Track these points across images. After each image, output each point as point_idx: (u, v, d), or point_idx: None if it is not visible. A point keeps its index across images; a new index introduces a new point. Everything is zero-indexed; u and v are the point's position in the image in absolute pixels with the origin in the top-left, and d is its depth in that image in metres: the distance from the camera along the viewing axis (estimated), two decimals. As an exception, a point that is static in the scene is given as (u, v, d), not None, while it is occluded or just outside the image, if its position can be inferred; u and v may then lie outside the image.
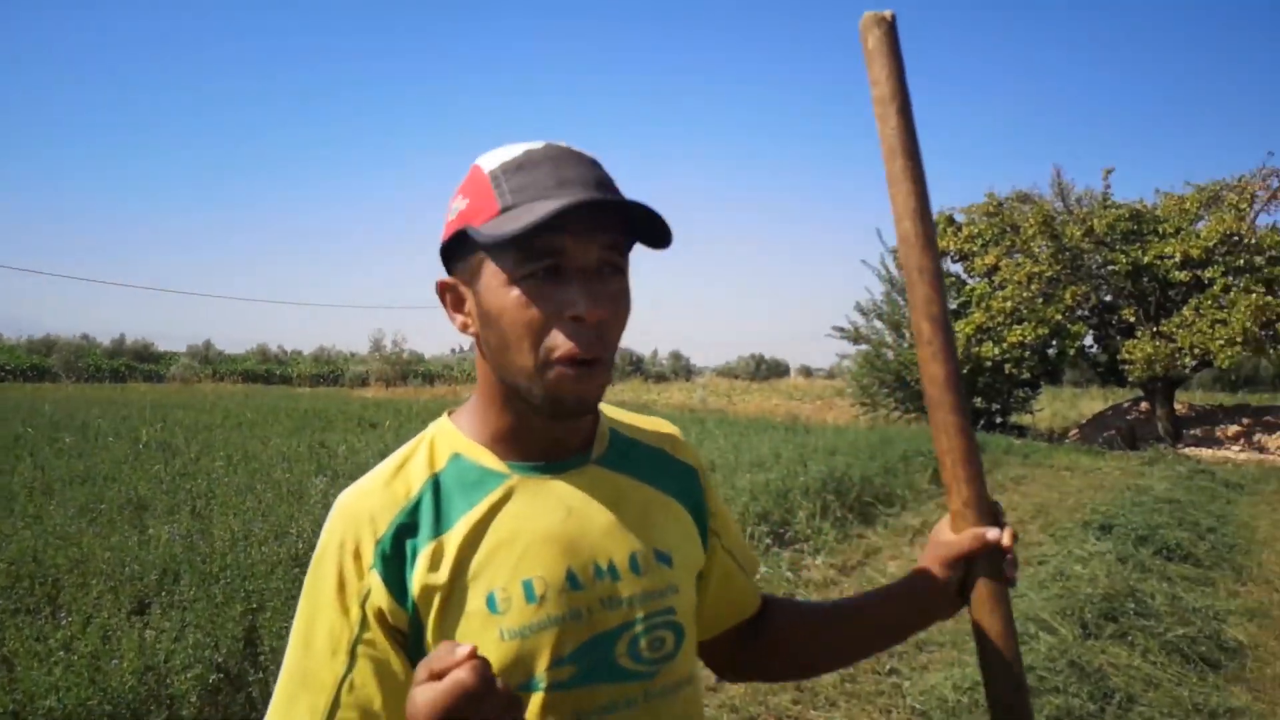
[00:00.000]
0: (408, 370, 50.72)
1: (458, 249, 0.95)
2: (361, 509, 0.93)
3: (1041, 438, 18.13)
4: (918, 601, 1.09)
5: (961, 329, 17.45)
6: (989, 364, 17.35)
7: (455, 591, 0.89)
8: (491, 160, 0.93)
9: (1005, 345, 16.91)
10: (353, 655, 0.89)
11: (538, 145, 0.93)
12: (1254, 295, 14.73)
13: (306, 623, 0.91)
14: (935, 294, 1.06)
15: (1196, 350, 15.27)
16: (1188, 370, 16.35)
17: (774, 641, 1.16)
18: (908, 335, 19.83)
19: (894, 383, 19.70)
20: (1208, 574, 6.16)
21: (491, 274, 0.90)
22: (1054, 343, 17.59)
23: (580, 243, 0.88)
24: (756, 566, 1.18)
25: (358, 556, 0.90)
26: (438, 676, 0.72)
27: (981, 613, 1.04)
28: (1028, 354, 17.32)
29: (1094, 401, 27.34)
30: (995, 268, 17.84)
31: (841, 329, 21.11)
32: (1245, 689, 4.17)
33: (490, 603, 0.89)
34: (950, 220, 19.35)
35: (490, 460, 0.96)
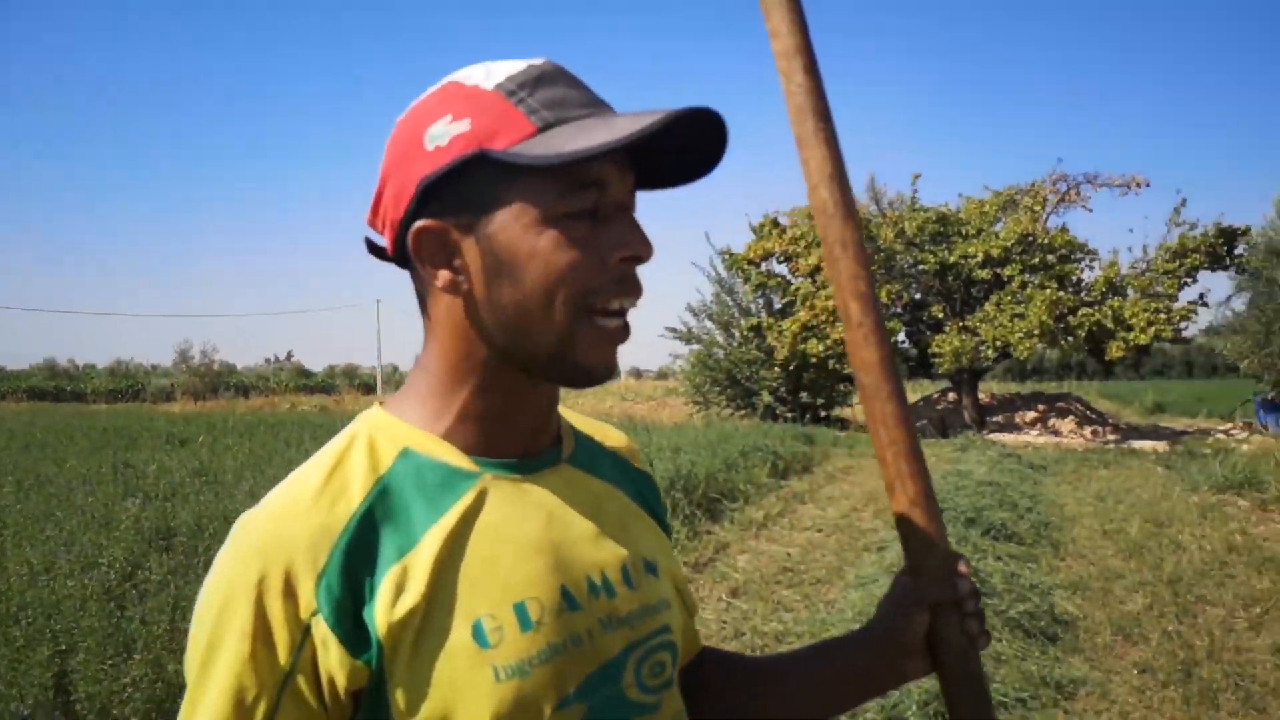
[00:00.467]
0: (219, 382, 47.84)
1: (449, 184, 0.74)
2: (289, 534, 0.70)
3: (861, 429, 19.04)
4: (874, 648, 0.90)
5: (788, 327, 18.10)
6: (814, 360, 18.08)
7: (431, 626, 0.70)
8: (488, 75, 0.75)
9: (829, 342, 17.66)
10: (273, 707, 0.68)
11: (536, 60, 0.76)
12: (1048, 291, 16.04)
13: (215, 678, 0.68)
14: (861, 269, 0.91)
15: (998, 343, 16.46)
16: (990, 362, 17.59)
17: (712, 692, 0.97)
18: (736, 335, 20.43)
19: (725, 381, 20.22)
20: (1030, 551, 6.58)
21: (516, 211, 0.73)
22: (872, 338, 18.52)
23: (623, 176, 0.75)
24: (696, 607, 1.00)
25: (290, 597, 0.68)
26: None
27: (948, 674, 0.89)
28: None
29: (906, 393, 29.13)
30: (818, 268, 18.60)
31: (674, 330, 21.49)
32: (1082, 659, 4.45)
33: (478, 634, 0.71)
34: (775, 223, 20.05)
35: (453, 456, 0.78)
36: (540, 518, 0.78)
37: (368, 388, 48.92)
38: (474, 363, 0.78)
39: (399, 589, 0.70)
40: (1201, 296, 16.84)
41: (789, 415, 19.05)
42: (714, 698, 0.97)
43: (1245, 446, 13.43)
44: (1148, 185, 17.40)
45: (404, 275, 0.82)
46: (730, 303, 20.96)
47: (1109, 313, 15.77)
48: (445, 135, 0.73)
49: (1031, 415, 18.42)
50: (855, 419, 21.74)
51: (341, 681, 0.68)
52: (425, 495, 0.75)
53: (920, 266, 17.75)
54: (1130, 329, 15.68)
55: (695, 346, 21.35)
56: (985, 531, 6.70)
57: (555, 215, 0.72)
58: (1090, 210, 18.49)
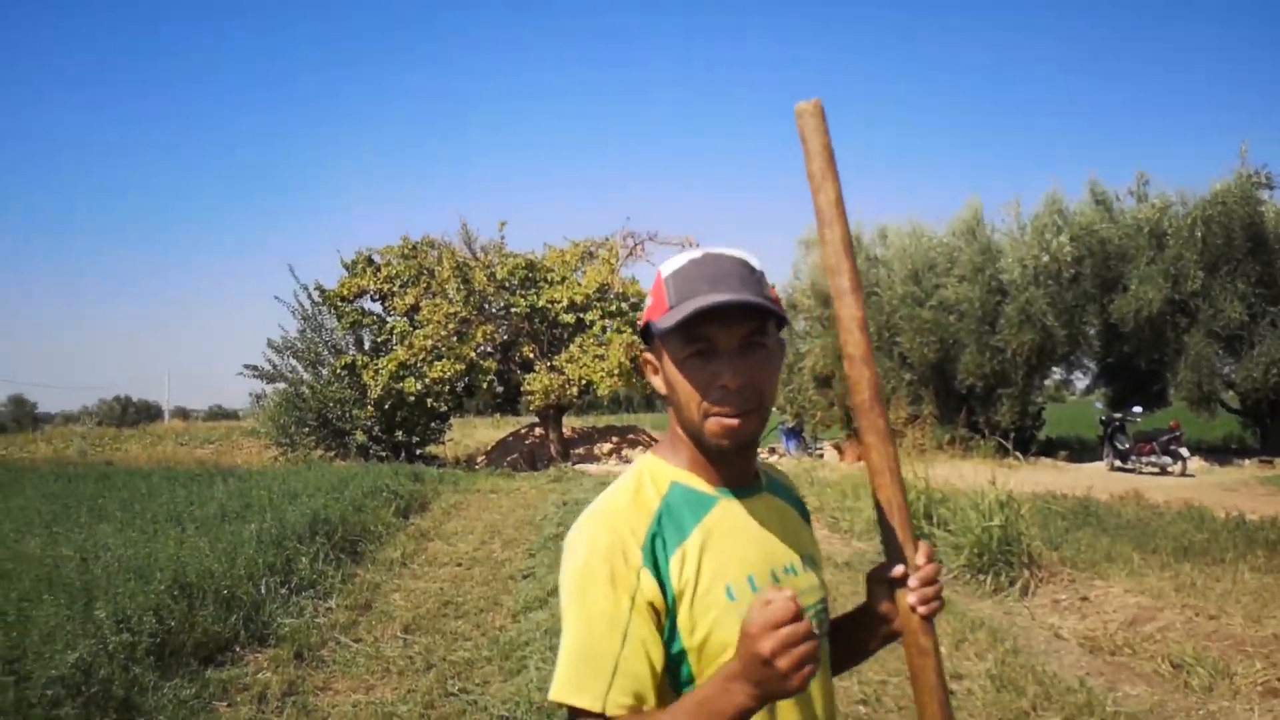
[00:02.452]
0: None
1: (649, 333, 1.25)
2: (620, 522, 1.17)
3: (450, 465, 19.58)
4: (861, 623, 1.35)
5: (385, 365, 18.12)
6: (412, 398, 18.28)
7: (700, 585, 1.16)
8: (667, 267, 1.25)
9: (427, 380, 18.00)
10: (625, 636, 1.12)
11: (698, 253, 1.25)
12: (624, 334, 17.99)
13: (586, 612, 1.13)
14: (867, 341, 1.26)
15: (583, 381, 18.06)
16: (575, 398, 19.19)
17: None
18: (325, 373, 19.89)
19: (314, 421, 19.57)
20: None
21: (668, 354, 1.22)
22: (467, 377, 19.21)
23: (725, 329, 1.20)
24: None
25: (626, 558, 1.14)
26: (765, 604, 1.01)
27: (908, 646, 1.21)
28: (446, 388, 18.66)
29: (492, 429, 30.20)
30: (416, 307, 18.88)
31: (255, 367, 20.31)
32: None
33: (729, 593, 1.17)
34: (369, 261, 19.95)
35: (702, 485, 1.25)
36: (755, 525, 1.27)
37: None
38: (686, 433, 1.26)
39: (682, 562, 1.17)
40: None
41: (383, 454, 18.98)
42: None
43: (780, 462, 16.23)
44: (697, 245, 20.27)
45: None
46: (318, 340, 20.37)
47: (674, 355, 18.11)
48: (646, 306, 1.27)
49: (608, 446, 20.35)
50: (446, 456, 22.22)
51: (655, 604, 1.14)
52: (690, 507, 1.22)
53: (512, 309, 18.83)
54: (690, 370, 18.14)
55: (280, 385, 20.39)
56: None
57: (682, 357, 1.20)
58: (653, 264, 21.07)
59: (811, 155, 1.26)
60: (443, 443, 22.56)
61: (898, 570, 1.24)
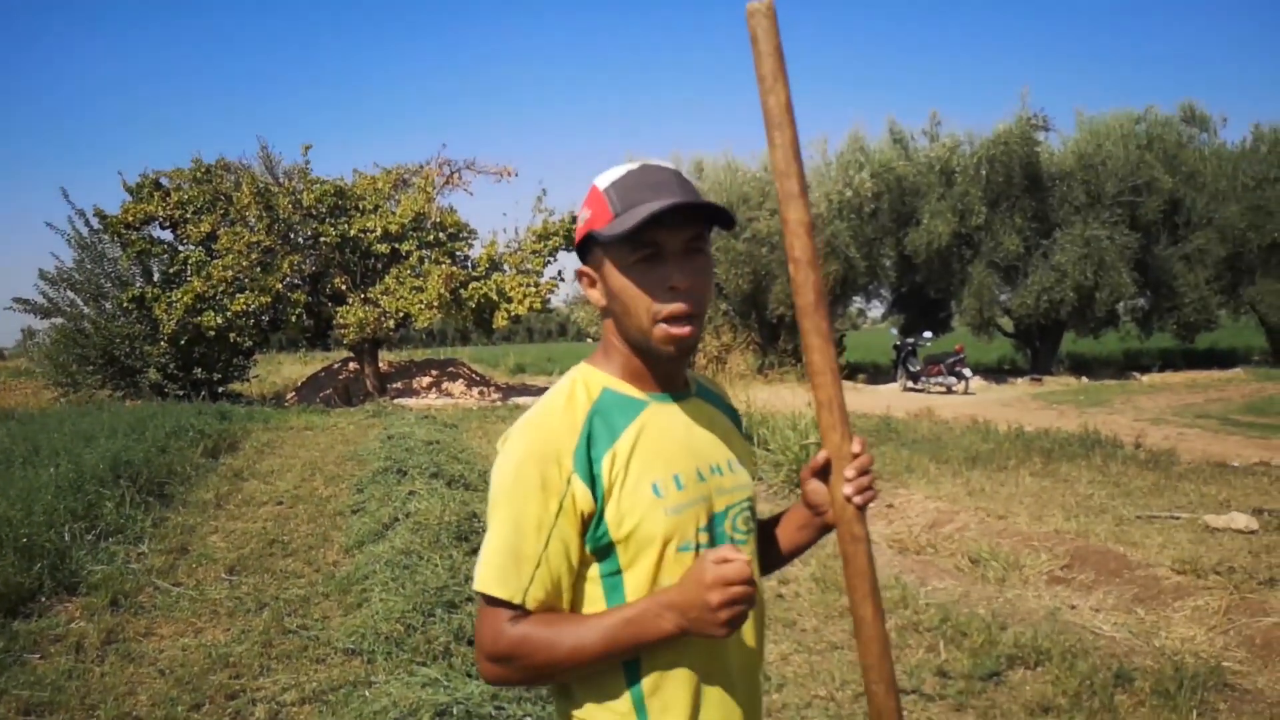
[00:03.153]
0: None
1: (587, 247, 1.29)
2: (555, 427, 1.23)
3: (258, 403, 18.60)
4: (796, 520, 1.44)
5: (180, 298, 16.84)
6: (211, 333, 17.13)
7: (628, 483, 1.22)
8: (605, 179, 1.27)
9: (229, 314, 16.90)
10: (550, 538, 1.18)
11: (635, 165, 1.27)
12: (443, 266, 17.51)
13: (514, 512, 1.19)
14: (813, 246, 1.26)
15: (400, 314, 17.50)
16: (391, 332, 18.58)
17: None
18: (109, 307, 18.29)
19: (99, 359, 18.00)
20: (485, 495, 7.58)
21: (612, 262, 1.25)
22: (273, 310, 18.18)
23: (671, 233, 1.23)
24: (755, 474, 1.57)
25: (559, 464, 1.19)
26: (723, 561, 1.11)
27: (842, 534, 1.28)
28: (250, 322, 17.60)
29: (300, 365, 28.82)
30: (213, 236, 17.58)
31: (27, 301, 18.38)
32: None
33: (655, 490, 1.22)
34: (156, 185, 18.30)
35: (632, 391, 1.30)
36: (683, 425, 1.31)
37: None
38: (621, 341, 1.30)
39: (612, 461, 1.22)
40: (559, 273, 19.94)
41: (180, 393, 17.75)
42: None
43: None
44: (516, 175, 19.96)
45: None
46: (100, 271, 18.62)
47: (494, 286, 17.83)
48: (581, 219, 1.29)
49: (427, 380, 19.91)
50: (253, 393, 21.07)
51: (583, 508, 1.20)
52: (621, 411, 1.27)
53: (322, 239, 17.88)
54: (511, 300, 17.94)
55: (57, 321, 18.56)
56: (449, 482, 7.53)
57: (629, 263, 1.23)
58: (471, 194, 20.70)
59: (762, 56, 1.26)
60: (248, 380, 21.35)
61: (821, 458, 1.31)
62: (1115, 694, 3.63)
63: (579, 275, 1.33)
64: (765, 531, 1.50)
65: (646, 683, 1.23)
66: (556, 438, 1.21)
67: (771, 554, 1.49)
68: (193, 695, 3.79)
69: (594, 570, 1.24)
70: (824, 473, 1.33)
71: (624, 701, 1.23)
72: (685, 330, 1.24)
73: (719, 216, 1.26)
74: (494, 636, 1.18)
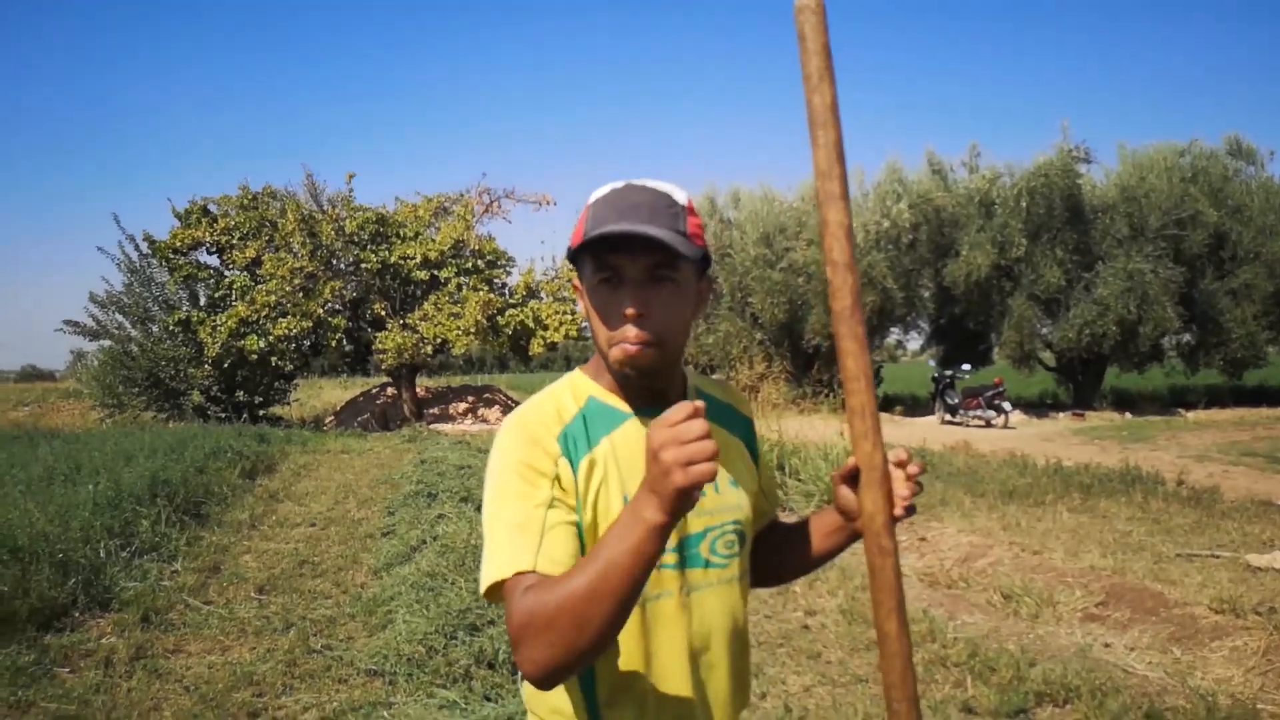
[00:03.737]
0: None
1: (573, 258, 1.29)
2: (540, 419, 1.26)
3: (297, 426, 18.86)
4: (826, 525, 1.42)
5: (224, 322, 17.20)
6: (254, 356, 17.44)
7: (602, 492, 1.22)
8: (594, 195, 1.28)
9: (271, 338, 17.20)
10: (547, 512, 1.18)
11: (620, 183, 1.27)
12: (480, 293, 17.71)
13: (510, 493, 1.19)
14: (851, 249, 1.23)
15: (438, 340, 17.70)
16: (429, 357, 18.79)
17: (768, 544, 1.50)
18: (156, 330, 18.71)
19: (144, 381, 18.41)
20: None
21: (584, 280, 1.28)
22: (314, 335, 18.48)
23: (631, 259, 1.22)
24: (776, 500, 1.57)
25: (545, 449, 1.22)
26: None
27: (869, 546, 1.23)
28: (292, 346, 17.91)
29: (340, 390, 29.21)
30: (258, 261, 17.95)
31: (76, 323, 18.88)
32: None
33: (626, 501, 1.22)
34: (204, 211, 18.78)
35: (617, 403, 1.30)
36: None
37: None
38: (599, 352, 1.30)
39: (590, 468, 1.23)
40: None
41: (222, 415, 18.08)
42: (768, 547, 1.51)
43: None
44: (555, 204, 20.20)
45: None
46: (148, 295, 19.08)
47: (530, 314, 17.99)
48: (575, 232, 1.28)
49: (463, 406, 20.07)
50: (292, 417, 21.38)
51: (567, 489, 1.20)
52: (603, 421, 1.28)
53: (363, 265, 18.18)
54: (547, 328, 18.09)
55: (105, 343, 19.02)
56: (478, 507, 7.56)
57: (593, 284, 1.24)
58: (510, 222, 20.83)
59: (810, 54, 1.23)
60: (288, 403, 21.69)
61: (851, 464, 1.26)
62: (1147, 735, 3.52)
63: (574, 286, 1.34)
64: (795, 533, 1.48)
65: (601, 702, 1.24)
66: (541, 428, 1.24)
67: (800, 555, 1.46)
68: (216, 713, 3.82)
69: None
70: (855, 479, 1.28)
71: (581, 715, 1.24)
72: (635, 350, 1.22)
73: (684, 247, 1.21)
74: (512, 613, 1.11)
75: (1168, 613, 4.98)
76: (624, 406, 1.30)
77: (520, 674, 1.18)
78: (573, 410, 1.27)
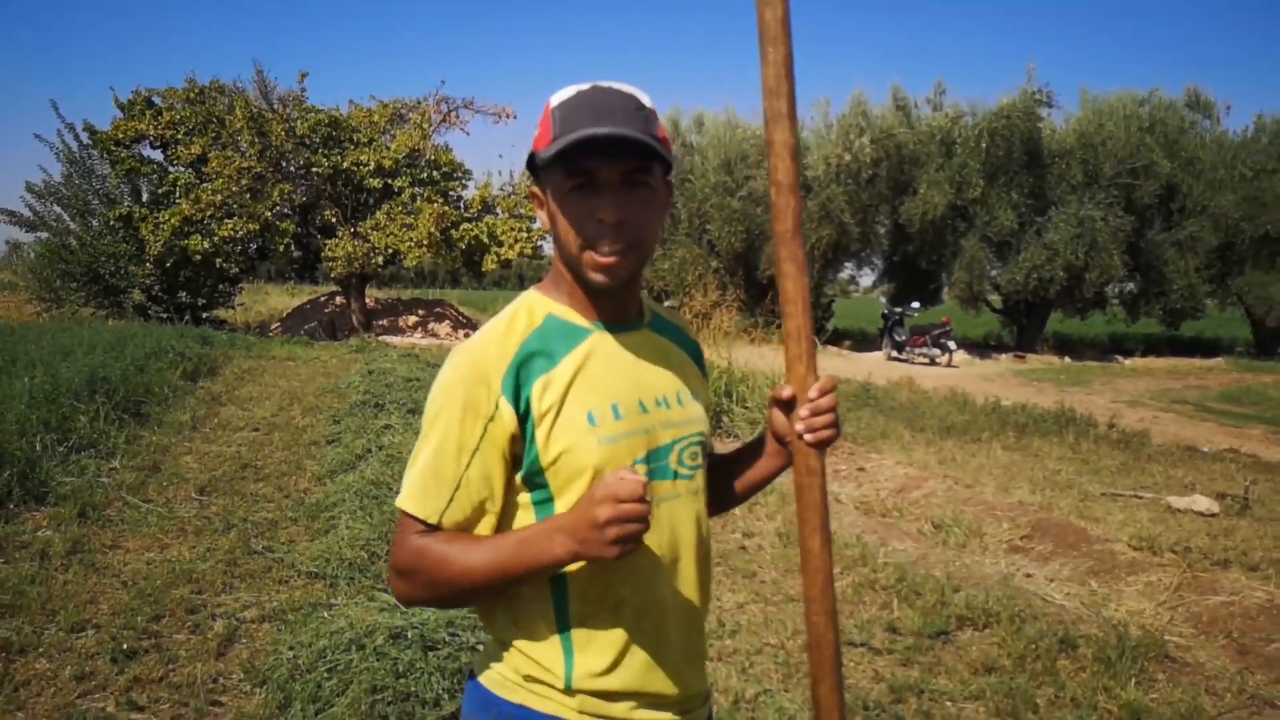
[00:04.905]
0: None
1: (531, 164, 1.24)
2: (487, 352, 1.21)
3: (241, 331, 18.52)
4: (761, 450, 1.43)
5: (166, 220, 16.68)
6: (198, 257, 17.00)
7: (563, 411, 1.20)
8: (556, 98, 1.22)
9: (216, 239, 16.75)
10: (471, 462, 1.18)
11: (587, 86, 1.22)
12: (435, 205, 17.35)
13: (440, 434, 1.19)
14: (796, 169, 1.25)
15: (389, 250, 17.38)
16: (380, 268, 18.47)
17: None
18: (96, 223, 18.09)
19: (84, 276, 17.87)
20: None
21: (551, 186, 1.22)
22: (261, 238, 18.04)
23: (608, 163, 1.20)
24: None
25: (488, 387, 1.18)
26: (617, 480, 1.08)
27: (797, 465, 1.28)
28: (238, 249, 17.47)
29: (286, 296, 28.68)
30: (203, 159, 17.36)
31: (12, 213, 18.19)
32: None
33: (589, 418, 1.21)
34: (148, 103, 18.03)
35: (576, 319, 1.28)
36: (630, 357, 1.29)
37: None
38: (566, 267, 1.27)
39: (545, 388, 1.21)
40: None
41: (164, 315, 17.68)
42: (709, 472, 1.45)
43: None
44: (515, 118, 19.73)
45: None
46: (88, 187, 18.39)
47: (485, 229, 17.72)
48: (534, 137, 1.24)
49: (413, 320, 19.86)
50: (237, 321, 20.99)
51: (510, 431, 1.19)
52: (562, 339, 1.25)
53: (314, 169, 17.68)
54: (502, 244, 17.84)
55: (43, 235, 18.38)
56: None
57: (564, 190, 1.20)
58: (468, 134, 20.36)
59: None
60: (232, 307, 21.24)
61: (786, 392, 1.29)
62: (1059, 659, 3.71)
63: (529, 194, 1.30)
64: (735, 459, 1.49)
65: (574, 614, 1.22)
66: (488, 362, 1.20)
67: (742, 480, 1.47)
68: (153, 607, 3.82)
69: (525, 498, 1.23)
70: (787, 404, 1.31)
71: (549, 631, 1.23)
72: (612, 260, 1.21)
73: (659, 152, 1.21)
74: (399, 548, 1.20)
75: (1088, 548, 5.20)
76: (584, 322, 1.28)
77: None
78: (523, 334, 1.24)
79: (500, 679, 1.26)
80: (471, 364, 1.20)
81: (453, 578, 1.16)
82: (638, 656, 1.24)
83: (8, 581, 3.94)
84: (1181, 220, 21.75)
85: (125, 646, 3.42)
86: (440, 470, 1.19)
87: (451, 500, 1.18)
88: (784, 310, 1.25)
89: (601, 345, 1.27)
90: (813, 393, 1.27)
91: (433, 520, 1.18)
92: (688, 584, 1.31)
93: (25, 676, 3.21)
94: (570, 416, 1.20)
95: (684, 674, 1.30)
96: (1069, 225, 20.02)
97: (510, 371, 1.19)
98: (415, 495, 1.20)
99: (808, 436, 1.26)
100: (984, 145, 20.22)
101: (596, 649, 1.23)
